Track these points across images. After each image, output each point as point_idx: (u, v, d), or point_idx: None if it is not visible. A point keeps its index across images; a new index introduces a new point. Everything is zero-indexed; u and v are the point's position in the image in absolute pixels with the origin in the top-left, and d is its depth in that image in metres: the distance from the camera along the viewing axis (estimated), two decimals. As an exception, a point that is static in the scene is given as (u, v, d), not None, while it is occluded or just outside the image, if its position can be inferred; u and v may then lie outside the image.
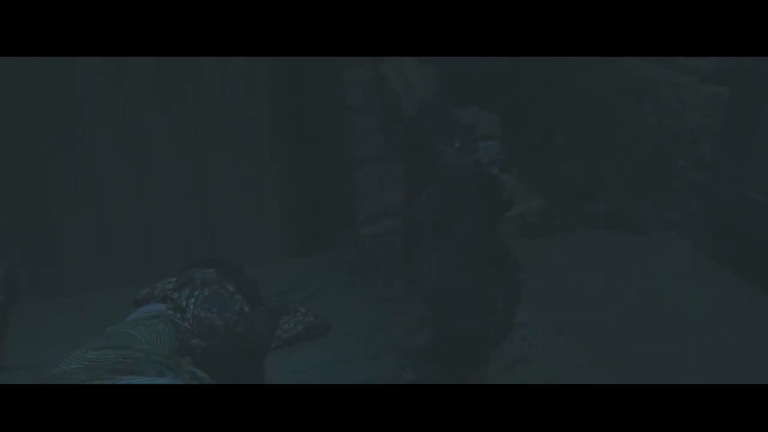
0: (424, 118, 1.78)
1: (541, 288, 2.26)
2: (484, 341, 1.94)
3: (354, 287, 2.32)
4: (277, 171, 2.55)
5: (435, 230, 1.87)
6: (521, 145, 2.98)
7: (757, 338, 2.13)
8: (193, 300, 1.77)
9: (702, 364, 2.01)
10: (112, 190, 2.33)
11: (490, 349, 1.99)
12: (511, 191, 1.79)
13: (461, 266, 1.86)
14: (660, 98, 2.62)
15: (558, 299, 2.33)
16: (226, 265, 2.12)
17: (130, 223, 2.38)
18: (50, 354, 1.90)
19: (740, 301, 2.32)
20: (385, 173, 2.72)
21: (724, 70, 2.36)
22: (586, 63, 2.63)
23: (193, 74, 2.29)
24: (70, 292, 2.30)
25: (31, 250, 2.29)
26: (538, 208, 2.91)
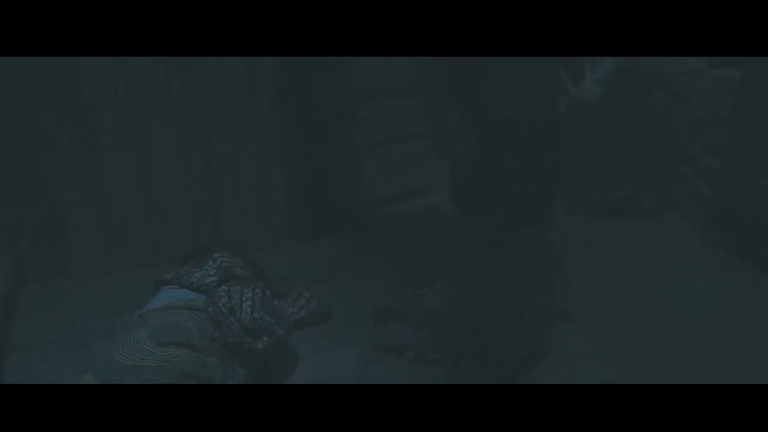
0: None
1: (547, 273, 2.25)
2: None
3: (358, 272, 2.32)
4: (283, 156, 2.55)
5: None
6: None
7: (766, 329, 2.10)
8: (249, 304, 1.80)
9: (709, 355, 1.99)
10: (118, 174, 2.34)
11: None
12: None
13: None
14: (670, 84, 2.59)
15: (564, 286, 2.31)
16: (233, 249, 2.14)
17: (135, 207, 2.40)
18: (59, 335, 1.94)
19: (750, 291, 2.29)
20: (392, 158, 2.72)
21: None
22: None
23: (198, 59, 2.29)
24: (77, 275, 2.33)
25: (39, 234, 2.31)
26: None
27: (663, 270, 2.40)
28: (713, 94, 2.43)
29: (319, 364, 1.86)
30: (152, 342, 1.59)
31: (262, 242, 2.55)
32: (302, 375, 1.81)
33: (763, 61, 2.21)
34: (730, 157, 2.42)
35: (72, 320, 2.02)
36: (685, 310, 2.17)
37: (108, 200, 2.36)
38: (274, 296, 1.96)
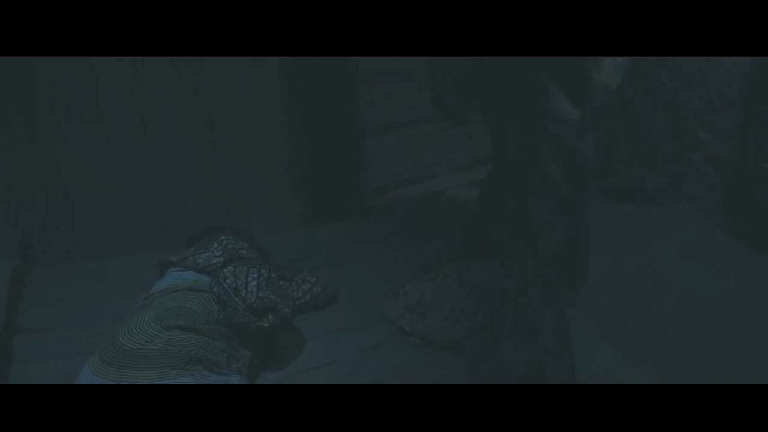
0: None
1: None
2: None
3: (363, 256, 2.33)
4: (288, 139, 2.54)
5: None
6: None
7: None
8: (255, 284, 1.81)
9: (714, 343, 1.99)
10: (124, 157, 2.34)
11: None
12: None
13: None
14: (679, 67, 2.55)
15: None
16: (239, 232, 2.14)
17: (141, 189, 2.40)
18: (65, 317, 1.95)
19: (757, 279, 2.28)
20: (398, 142, 2.71)
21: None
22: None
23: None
24: (83, 257, 2.34)
25: (46, 217, 2.32)
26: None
27: (669, 257, 2.39)
28: (723, 79, 2.40)
29: (324, 347, 1.87)
30: (157, 325, 1.60)
31: (267, 227, 2.56)
32: (307, 358, 1.82)
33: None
34: (739, 143, 2.39)
35: (78, 302, 2.03)
36: (692, 298, 2.17)
37: (114, 184, 2.36)
38: (279, 279, 1.97)
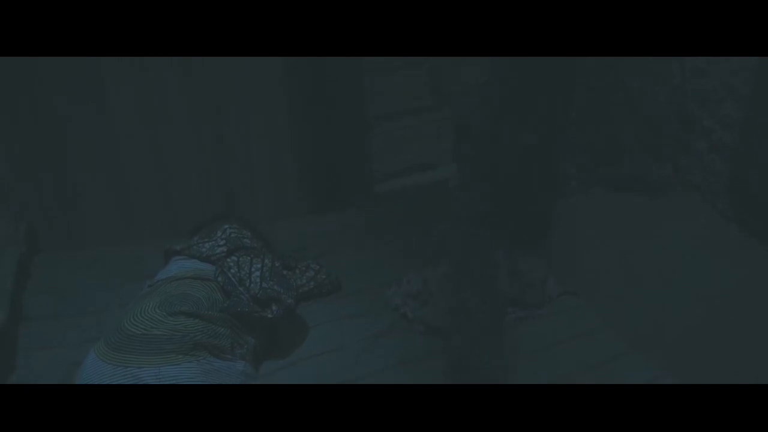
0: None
1: (557, 250, 2.24)
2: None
3: (367, 245, 2.33)
4: (293, 128, 2.54)
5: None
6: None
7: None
8: (258, 275, 1.82)
9: (717, 332, 1.98)
10: (130, 145, 2.34)
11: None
12: None
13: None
14: (685, 56, 2.54)
15: (573, 261, 2.31)
16: (243, 221, 2.15)
17: (147, 178, 2.41)
18: (70, 305, 1.96)
19: (763, 270, 2.27)
20: (401, 132, 2.70)
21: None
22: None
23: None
24: (88, 245, 2.35)
25: (51, 205, 2.33)
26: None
27: (673, 246, 2.39)
28: (729, 67, 2.38)
29: (327, 334, 1.87)
30: (162, 311, 1.60)
31: (272, 215, 2.56)
32: (310, 345, 1.83)
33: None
34: (745, 132, 2.38)
35: (83, 290, 2.04)
36: (696, 289, 2.16)
37: (120, 172, 2.37)
38: (282, 268, 1.98)
